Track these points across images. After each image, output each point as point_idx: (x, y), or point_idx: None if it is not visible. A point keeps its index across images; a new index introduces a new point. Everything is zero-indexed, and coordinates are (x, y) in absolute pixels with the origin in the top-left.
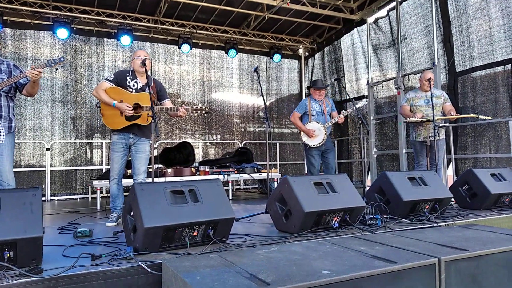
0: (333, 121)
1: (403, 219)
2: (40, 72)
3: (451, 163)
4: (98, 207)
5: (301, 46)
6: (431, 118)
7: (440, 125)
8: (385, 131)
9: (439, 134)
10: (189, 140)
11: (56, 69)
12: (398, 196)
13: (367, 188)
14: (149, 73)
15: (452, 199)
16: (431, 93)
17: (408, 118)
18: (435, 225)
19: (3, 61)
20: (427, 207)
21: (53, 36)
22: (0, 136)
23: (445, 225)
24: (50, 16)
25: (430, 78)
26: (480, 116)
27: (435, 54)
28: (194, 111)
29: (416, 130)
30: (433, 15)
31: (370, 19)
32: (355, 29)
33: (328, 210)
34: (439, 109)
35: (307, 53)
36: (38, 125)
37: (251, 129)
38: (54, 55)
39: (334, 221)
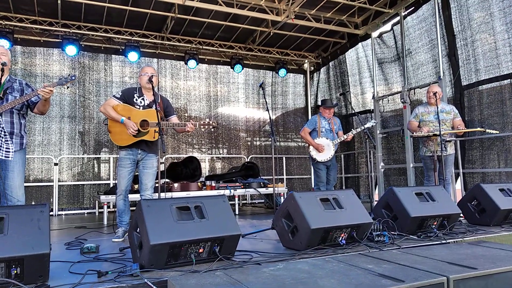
0: (341, 139)
1: (411, 236)
2: (51, 91)
3: (459, 177)
4: (105, 222)
5: (306, 61)
6: (436, 132)
7: (447, 139)
8: (392, 145)
9: (446, 148)
10: (196, 155)
11: (67, 87)
12: (406, 212)
13: (375, 203)
14: (156, 89)
15: (461, 215)
16: (437, 107)
17: (414, 133)
18: (443, 242)
19: (16, 80)
20: (435, 223)
21: (62, 53)
22: (10, 152)
23: (454, 242)
24: (59, 33)
25: (436, 92)
26: (487, 130)
27: (440, 68)
28: (202, 126)
29: (426, 145)
30: (437, 29)
31: (375, 34)
32: (359, 43)
33: (335, 226)
34: (448, 125)
35: (312, 68)
36: (47, 141)
37: (258, 143)
38: (63, 71)
39: (341, 237)
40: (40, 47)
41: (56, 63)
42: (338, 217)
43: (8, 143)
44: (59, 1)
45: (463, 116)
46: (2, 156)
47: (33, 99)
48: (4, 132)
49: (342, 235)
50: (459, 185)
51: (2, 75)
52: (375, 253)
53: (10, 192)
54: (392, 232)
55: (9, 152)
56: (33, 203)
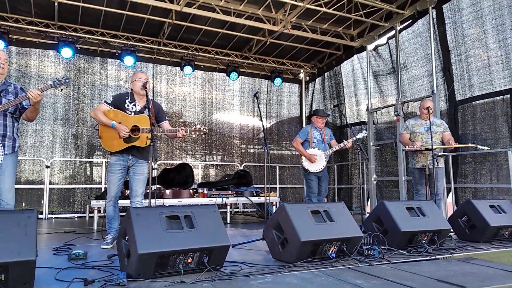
0: (334, 149)
1: (400, 251)
2: (39, 95)
3: (451, 192)
4: (95, 227)
5: (302, 71)
6: (428, 146)
7: (440, 154)
8: (385, 157)
9: (438, 162)
10: (189, 161)
11: (61, 89)
12: (396, 227)
13: (367, 215)
14: (149, 94)
15: (451, 230)
16: (430, 122)
17: (407, 146)
18: (433, 257)
19: (11, 83)
20: (425, 238)
21: (57, 55)
22: (1, 155)
23: (443, 258)
24: (55, 35)
25: (429, 107)
26: (478, 146)
27: (434, 83)
28: (193, 132)
29: (415, 157)
30: (432, 44)
31: (370, 46)
32: (355, 55)
33: (325, 239)
34: (438, 137)
35: (307, 78)
36: (39, 143)
37: (252, 150)
38: (58, 73)
39: (331, 251)
40: (36, 49)
41: (51, 65)
42: (329, 230)
43: None
44: (56, 3)
45: (456, 130)
46: None
47: (24, 104)
48: None
49: (332, 248)
50: (450, 199)
51: None
52: (364, 267)
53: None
54: (382, 247)
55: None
56: (23, 205)
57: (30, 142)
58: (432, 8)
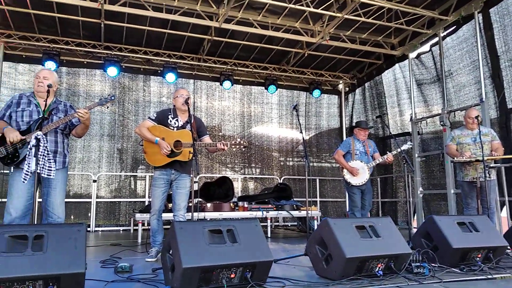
0: (377, 162)
1: (452, 268)
2: (87, 112)
3: (505, 205)
4: (139, 240)
5: (341, 82)
6: (479, 157)
7: (491, 165)
8: (432, 169)
9: (490, 174)
10: (229, 174)
11: (107, 107)
12: (447, 243)
13: (413, 230)
14: (190, 110)
15: (508, 248)
16: (479, 131)
17: (455, 158)
18: (489, 277)
19: (61, 102)
20: (479, 255)
21: (104, 73)
22: (52, 170)
23: (502, 277)
24: (102, 55)
25: (478, 115)
26: None
27: (483, 90)
28: (233, 146)
29: (463, 170)
30: (479, 50)
31: (412, 55)
32: (396, 64)
33: (372, 256)
34: (487, 147)
35: (347, 88)
36: (87, 158)
37: (291, 163)
38: (104, 91)
39: (378, 268)
40: (84, 68)
41: (98, 83)
42: (375, 246)
43: (50, 162)
44: (102, 25)
45: (509, 139)
46: (45, 174)
47: (73, 121)
48: (48, 151)
49: (379, 265)
50: (505, 213)
51: (47, 97)
52: (415, 286)
53: (51, 209)
54: (432, 264)
55: (51, 170)
56: (72, 218)
57: (79, 158)
58: (478, 13)
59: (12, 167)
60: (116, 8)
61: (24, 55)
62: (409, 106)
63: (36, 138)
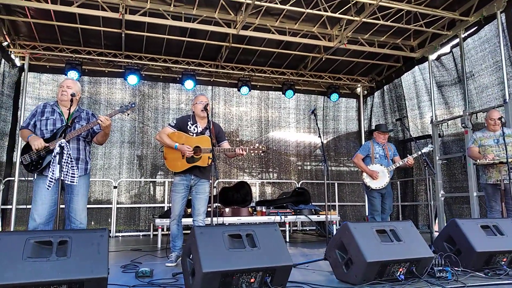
0: (397, 165)
1: (477, 273)
2: (108, 119)
3: None
4: (159, 245)
5: (359, 85)
6: (503, 159)
7: None
8: (454, 172)
9: None
10: (246, 179)
11: (128, 114)
12: (471, 247)
13: (435, 234)
14: (209, 116)
15: None
16: (503, 133)
17: (478, 160)
18: None
19: (83, 110)
20: (504, 259)
21: (124, 82)
22: (75, 177)
23: None
24: (122, 64)
25: (501, 117)
26: None
27: (506, 91)
28: (251, 151)
29: (487, 172)
30: (501, 51)
31: (432, 57)
32: (416, 66)
33: (393, 260)
34: (510, 149)
35: (365, 92)
36: (108, 164)
37: (308, 167)
38: (124, 99)
39: (399, 272)
40: (105, 77)
41: (118, 92)
42: (396, 250)
43: (73, 169)
44: (123, 34)
45: None
46: (67, 180)
47: (95, 128)
48: (71, 158)
49: (401, 269)
50: None
51: (71, 106)
52: None
53: (74, 214)
54: (455, 268)
55: (74, 177)
56: (92, 223)
57: (100, 164)
58: (501, 13)
59: (35, 174)
60: (136, 17)
61: (48, 65)
62: (429, 108)
63: (60, 145)
